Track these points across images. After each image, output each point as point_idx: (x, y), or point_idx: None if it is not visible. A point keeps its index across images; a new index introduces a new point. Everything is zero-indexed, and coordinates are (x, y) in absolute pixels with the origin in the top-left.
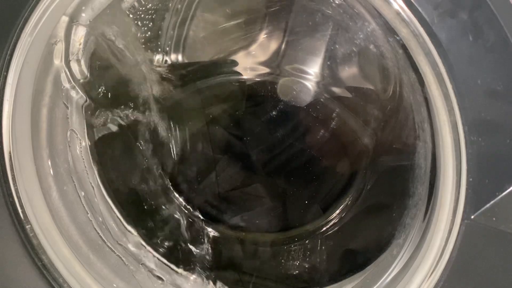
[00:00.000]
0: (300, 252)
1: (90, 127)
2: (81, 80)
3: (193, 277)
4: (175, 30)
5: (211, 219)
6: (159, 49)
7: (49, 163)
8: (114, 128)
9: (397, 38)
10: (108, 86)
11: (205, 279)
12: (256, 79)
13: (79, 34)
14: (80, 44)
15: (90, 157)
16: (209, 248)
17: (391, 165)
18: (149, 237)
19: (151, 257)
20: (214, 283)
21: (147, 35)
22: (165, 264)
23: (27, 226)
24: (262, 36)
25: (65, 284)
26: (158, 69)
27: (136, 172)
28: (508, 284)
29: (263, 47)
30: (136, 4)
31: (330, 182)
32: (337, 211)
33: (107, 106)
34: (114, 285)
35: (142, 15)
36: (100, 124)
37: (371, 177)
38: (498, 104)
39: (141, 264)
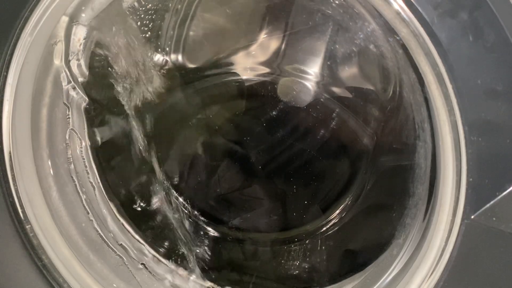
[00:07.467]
0: (300, 252)
1: (90, 127)
2: (81, 80)
3: (193, 277)
4: (175, 30)
5: (211, 220)
6: (159, 49)
7: (49, 163)
8: (114, 128)
9: (397, 38)
10: (108, 87)
11: (205, 279)
12: (256, 79)
13: (79, 34)
14: (80, 44)
15: (91, 157)
16: (209, 248)
17: (391, 165)
18: (149, 237)
19: (151, 257)
20: (214, 284)
21: (147, 35)
22: (165, 264)
23: (27, 226)
24: (262, 36)
25: (65, 284)
26: (158, 69)
27: (136, 173)
28: (508, 284)
29: (263, 47)
30: (136, 4)
31: (330, 182)
32: (337, 211)
33: (107, 106)
34: (114, 285)
35: (142, 15)
36: (100, 124)
37: (371, 177)
38: (498, 104)
39: (141, 264)
